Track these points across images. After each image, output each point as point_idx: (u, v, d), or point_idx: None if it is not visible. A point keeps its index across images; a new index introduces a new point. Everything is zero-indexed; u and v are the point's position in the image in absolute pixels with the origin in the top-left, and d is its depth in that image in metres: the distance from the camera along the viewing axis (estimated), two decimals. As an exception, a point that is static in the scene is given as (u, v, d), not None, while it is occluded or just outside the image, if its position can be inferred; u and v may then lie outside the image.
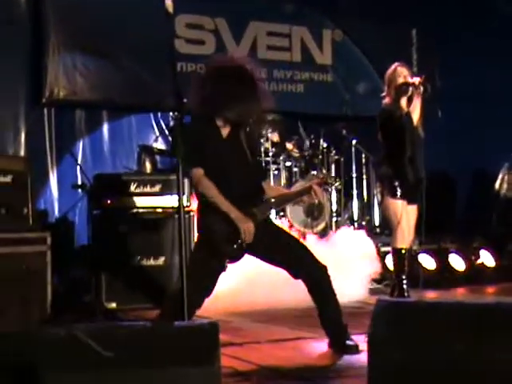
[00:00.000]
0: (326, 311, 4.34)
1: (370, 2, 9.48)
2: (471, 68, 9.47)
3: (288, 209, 7.58)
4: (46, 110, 8.25)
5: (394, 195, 5.82)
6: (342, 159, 8.72)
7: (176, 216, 6.04)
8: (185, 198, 6.07)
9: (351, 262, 6.67)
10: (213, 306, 5.28)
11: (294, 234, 5.99)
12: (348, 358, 4.17)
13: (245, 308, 6.03)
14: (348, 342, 4.27)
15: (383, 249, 7.15)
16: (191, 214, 6.21)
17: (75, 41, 8.04)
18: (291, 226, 7.47)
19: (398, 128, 5.80)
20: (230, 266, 4.35)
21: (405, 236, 5.85)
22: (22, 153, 7.73)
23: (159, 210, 6.42)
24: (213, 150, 4.27)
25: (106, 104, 8.52)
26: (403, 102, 5.81)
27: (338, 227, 7.97)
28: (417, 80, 5.80)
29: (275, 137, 8.29)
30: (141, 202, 6.39)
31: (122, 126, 8.82)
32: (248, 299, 6.14)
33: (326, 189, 4.95)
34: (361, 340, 4.17)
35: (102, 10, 8.15)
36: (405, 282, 5.84)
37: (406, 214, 5.79)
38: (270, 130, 8.15)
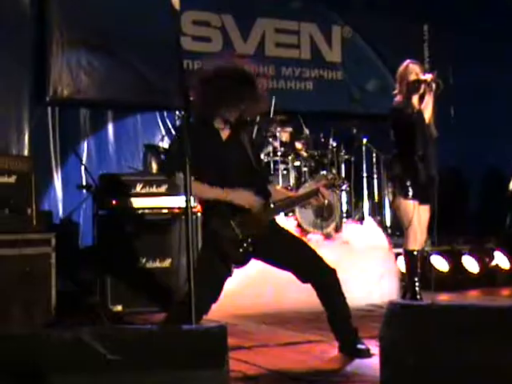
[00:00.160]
0: (336, 315, 4.35)
1: (380, -4, 9.49)
2: (485, 64, 9.45)
3: (297, 209, 7.57)
4: (49, 109, 8.27)
5: (405, 195, 5.81)
6: (353, 158, 8.71)
7: (183, 217, 6.04)
8: (192, 198, 6.07)
9: (362, 261, 6.67)
10: (220, 308, 5.29)
11: (299, 234, 5.99)
12: (359, 362, 4.17)
13: (253, 311, 6.03)
14: (359, 346, 4.28)
15: (395, 250, 7.14)
16: (198, 215, 6.21)
17: (80, 38, 8.05)
18: (299, 227, 7.46)
19: (409, 126, 5.79)
20: (237, 270, 4.37)
21: (417, 237, 5.84)
22: (26, 152, 7.74)
23: (165, 211, 6.42)
24: (212, 153, 4.27)
25: (111, 103, 8.53)
26: (415, 99, 5.80)
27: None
28: (429, 77, 5.79)
29: (284, 136, 8.28)
30: (147, 202, 6.40)
31: (127, 125, 8.84)
32: (256, 302, 6.14)
33: (335, 190, 4.94)
34: (372, 344, 4.17)
35: (107, 7, 8.17)
36: (417, 284, 5.83)
37: (417, 215, 5.78)
38: (278, 129, 8.14)
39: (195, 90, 4.30)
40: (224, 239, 4.21)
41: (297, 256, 4.35)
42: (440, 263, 7.37)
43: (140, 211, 6.39)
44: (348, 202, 8.52)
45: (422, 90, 5.78)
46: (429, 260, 6.84)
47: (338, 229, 7.80)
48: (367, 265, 6.70)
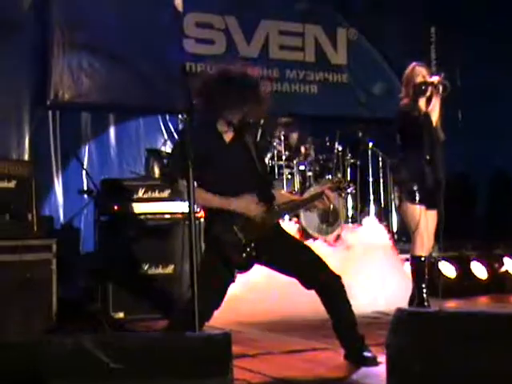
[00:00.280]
0: (341, 322, 4.35)
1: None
2: (492, 66, 9.45)
3: (302, 214, 7.57)
4: (50, 113, 8.27)
5: (412, 200, 5.80)
6: (358, 162, 8.71)
7: (186, 222, 6.04)
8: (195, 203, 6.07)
9: (366, 266, 6.66)
10: (224, 315, 5.29)
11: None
12: (365, 370, 4.16)
13: (257, 318, 6.02)
14: (365, 354, 4.27)
15: (401, 256, 7.13)
16: (201, 220, 6.21)
17: (81, 40, 8.06)
18: (303, 232, 7.46)
19: (415, 129, 5.78)
20: (240, 276, 4.38)
21: (424, 243, 5.83)
22: (26, 157, 7.75)
23: (168, 217, 6.42)
24: (215, 156, 4.29)
25: (113, 106, 8.53)
26: (422, 102, 5.79)
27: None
28: (436, 79, 5.79)
29: (290, 140, 8.29)
30: (149, 207, 6.40)
31: (129, 129, 8.84)
32: (260, 309, 6.14)
33: (340, 194, 4.94)
34: (379, 351, 4.16)
35: (108, 9, 8.18)
36: (424, 290, 5.82)
37: (425, 220, 5.77)
38: (283, 133, 8.14)
39: (198, 93, 4.33)
40: (227, 244, 4.21)
41: (301, 262, 4.35)
42: (448, 269, 7.36)
43: (142, 217, 6.40)
44: (354, 207, 8.51)
45: (428, 93, 5.77)
46: (436, 266, 6.82)
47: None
48: (371, 269, 6.67)
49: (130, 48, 8.25)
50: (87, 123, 8.56)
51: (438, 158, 5.85)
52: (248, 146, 4.42)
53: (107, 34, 8.14)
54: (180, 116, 8.04)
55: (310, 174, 8.22)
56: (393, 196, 8.35)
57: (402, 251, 7.22)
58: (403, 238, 8.04)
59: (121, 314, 6.12)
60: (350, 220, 8.27)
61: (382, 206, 9.06)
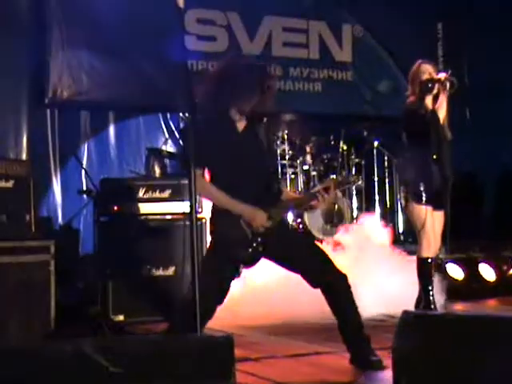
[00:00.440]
0: (347, 324, 4.35)
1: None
2: (500, 62, 9.44)
3: (306, 215, 7.57)
4: (49, 111, 8.28)
5: (418, 200, 5.79)
6: (363, 162, 8.71)
7: (187, 223, 6.04)
8: (198, 200, 6.08)
9: (369, 266, 6.64)
10: (226, 318, 5.29)
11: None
12: (371, 375, 4.16)
13: (260, 321, 6.02)
14: (371, 358, 4.27)
15: (408, 257, 7.12)
16: (203, 221, 6.22)
17: (80, 37, 8.06)
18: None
19: (422, 127, 5.77)
20: (241, 278, 4.38)
21: (431, 244, 5.82)
22: (24, 156, 7.75)
23: (169, 217, 6.43)
24: (228, 145, 4.31)
25: (113, 104, 8.54)
26: (428, 100, 5.78)
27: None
28: (442, 75, 5.78)
29: (293, 139, 8.29)
30: (149, 208, 6.40)
31: (129, 127, 8.84)
32: (263, 311, 6.14)
33: (344, 190, 4.95)
34: (385, 355, 4.16)
35: (108, 5, 8.17)
36: (431, 293, 5.82)
37: (431, 221, 5.77)
38: (286, 132, 8.14)
39: (211, 81, 4.37)
40: (233, 238, 4.23)
41: (307, 258, 4.36)
42: (455, 271, 7.35)
43: (143, 217, 6.40)
44: (359, 208, 8.51)
45: (435, 90, 5.76)
46: (444, 268, 6.82)
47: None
48: (367, 269, 6.64)
49: (130, 45, 8.25)
50: (86, 122, 8.55)
51: (445, 157, 5.84)
52: (259, 136, 4.45)
53: (107, 32, 8.12)
54: (181, 114, 8.04)
55: (314, 173, 8.22)
56: (399, 196, 8.36)
57: (408, 253, 7.21)
58: (409, 239, 8.04)
59: (121, 317, 6.12)
60: (355, 221, 8.27)
61: (388, 206, 9.06)
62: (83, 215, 7.78)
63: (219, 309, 4.32)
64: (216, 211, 4.39)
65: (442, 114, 5.81)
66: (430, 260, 5.84)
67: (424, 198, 5.77)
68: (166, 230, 6.34)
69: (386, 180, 9.02)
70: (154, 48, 8.09)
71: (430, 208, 5.78)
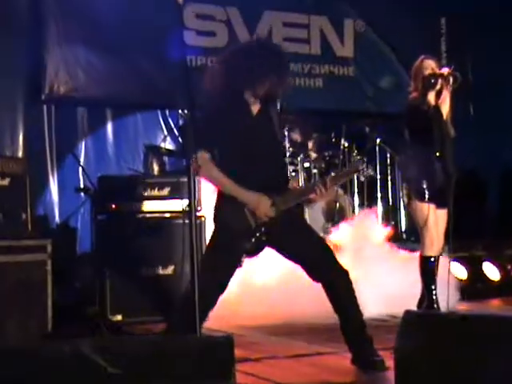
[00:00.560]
0: (348, 322, 4.36)
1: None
2: (504, 58, 9.44)
3: (306, 212, 7.57)
4: (45, 108, 8.27)
5: (421, 198, 5.79)
6: (365, 159, 8.69)
7: (186, 221, 6.04)
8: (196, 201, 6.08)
9: (370, 265, 6.64)
10: (226, 318, 5.30)
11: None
12: (373, 375, 4.17)
13: (260, 321, 6.02)
14: (373, 358, 4.27)
15: (410, 255, 7.12)
16: (203, 219, 6.23)
17: (77, 33, 8.05)
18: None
19: (425, 123, 5.78)
20: (241, 278, 4.39)
21: (433, 242, 5.83)
22: (20, 154, 7.74)
23: (168, 215, 6.43)
24: (241, 129, 4.32)
25: (111, 101, 8.52)
26: (431, 95, 5.78)
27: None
28: (445, 71, 5.78)
29: (295, 136, 8.29)
30: (148, 206, 6.41)
31: (127, 124, 8.83)
32: (263, 311, 6.14)
33: (351, 179, 4.97)
34: (387, 356, 4.16)
35: (105, 2, 8.16)
36: (434, 292, 5.82)
37: (434, 219, 5.77)
38: (286, 128, 8.14)
39: (225, 64, 4.38)
40: (236, 229, 4.23)
41: (310, 252, 4.37)
42: (458, 270, 7.35)
43: (141, 215, 6.41)
44: (360, 206, 8.51)
45: (438, 86, 5.76)
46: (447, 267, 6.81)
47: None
48: (364, 268, 6.63)
49: (128, 41, 8.24)
50: (83, 118, 8.54)
51: (448, 154, 5.85)
52: (273, 120, 4.46)
53: (104, 27, 8.11)
54: (180, 111, 8.03)
55: (315, 171, 8.21)
56: (401, 194, 8.37)
57: (410, 251, 7.21)
58: (412, 237, 8.04)
59: (119, 317, 6.13)
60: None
61: (390, 204, 9.06)
62: (80, 213, 7.78)
63: (219, 309, 4.33)
64: (221, 197, 4.39)
65: (445, 109, 5.81)
66: (432, 259, 5.85)
67: (427, 196, 5.78)
68: (164, 229, 6.34)
69: (389, 177, 9.01)
70: (152, 44, 8.09)
71: (432, 206, 5.78)
